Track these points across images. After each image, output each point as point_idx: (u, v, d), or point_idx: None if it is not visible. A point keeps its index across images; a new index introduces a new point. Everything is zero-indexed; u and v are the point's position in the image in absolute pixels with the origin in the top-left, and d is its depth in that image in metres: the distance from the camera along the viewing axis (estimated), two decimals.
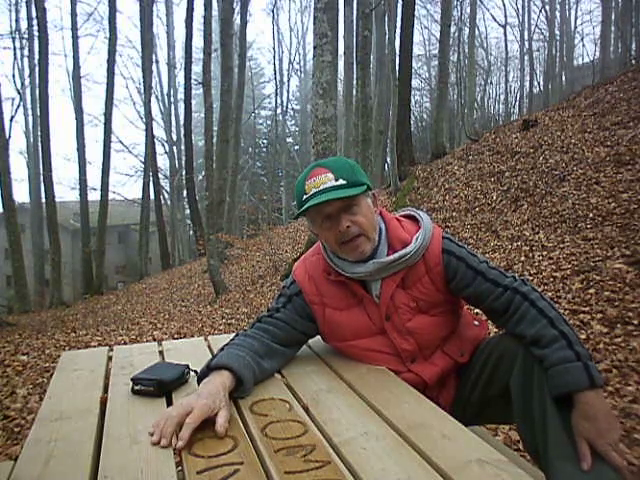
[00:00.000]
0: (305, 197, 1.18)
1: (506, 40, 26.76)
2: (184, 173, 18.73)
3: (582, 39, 35.24)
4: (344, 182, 1.16)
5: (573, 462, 0.97)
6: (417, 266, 1.22)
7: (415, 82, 23.16)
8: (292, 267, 1.38)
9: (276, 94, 25.38)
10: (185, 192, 20.50)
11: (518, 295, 1.15)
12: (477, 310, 1.37)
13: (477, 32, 22.55)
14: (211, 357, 1.13)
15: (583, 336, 2.78)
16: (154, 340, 5.04)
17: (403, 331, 1.23)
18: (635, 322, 2.78)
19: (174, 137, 26.19)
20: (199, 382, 1.08)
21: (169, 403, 1.08)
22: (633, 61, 12.99)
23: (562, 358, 1.03)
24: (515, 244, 5.04)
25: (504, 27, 26.31)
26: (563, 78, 24.44)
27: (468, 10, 18.30)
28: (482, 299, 1.20)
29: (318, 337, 1.38)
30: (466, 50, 17.83)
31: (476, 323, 1.35)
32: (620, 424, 1.92)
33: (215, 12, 13.93)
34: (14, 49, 20.18)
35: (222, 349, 1.17)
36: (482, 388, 1.23)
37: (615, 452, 0.97)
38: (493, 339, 1.27)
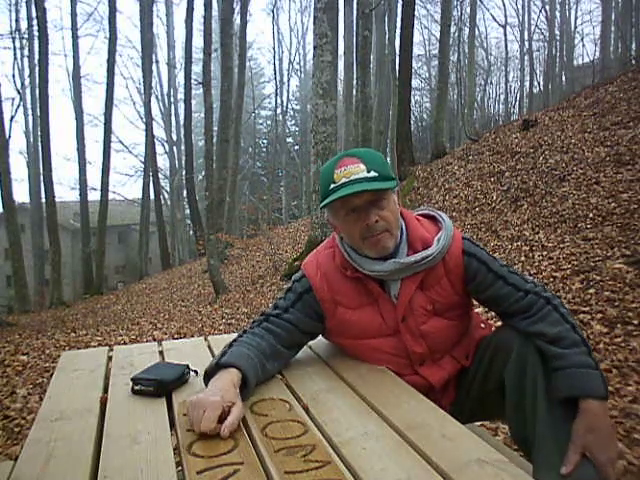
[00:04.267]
0: (333, 186, 1.13)
1: (506, 40, 26.82)
2: (184, 173, 18.75)
3: (582, 39, 35.21)
4: (376, 174, 1.12)
5: (556, 471, 0.97)
6: (437, 268, 1.19)
7: (415, 82, 23.15)
8: (292, 267, 1.37)
9: (276, 94, 25.42)
10: (185, 192, 20.52)
11: (541, 299, 1.14)
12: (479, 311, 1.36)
13: (477, 32, 22.54)
14: (220, 353, 1.11)
15: None
16: (154, 340, 5.04)
17: (417, 333, 1.21)
18: (635, 322, 2.78)
19: (174, 137, 26.21)
20: (206, 379, 1.06)
21: (169, 403, 1.08)
22: (633, 61, 12.99)
23: (584, 362, 1.04)
24: (515, 244, 5.03)
25: (504, 27, 26.36)
26: (563, 78, 24.44)
27: (468, 10, 18.27)
28: (501, 302, 1.19)
29: (318, 337, 1.37)
30: (466, 50, 17.83)
31: (482, 326, 1.34)
32: (620, 424, 1.92)
33: (215, 12, 13.94)
34: (14, 49, 20.25)
35: (230, 345, 1.14)
36: (480, 383, 1.22)
37: (612, 469, 0.97)
38: (487, 336, 1.27)
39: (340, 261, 1.24)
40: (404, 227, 1.23)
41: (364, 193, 1.11)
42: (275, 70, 25.49)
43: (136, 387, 1.13)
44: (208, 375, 1.06)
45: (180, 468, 0.83)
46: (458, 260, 1.19)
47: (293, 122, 34.24)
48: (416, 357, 1.23)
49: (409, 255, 1.18)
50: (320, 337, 1.37)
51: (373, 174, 1.12)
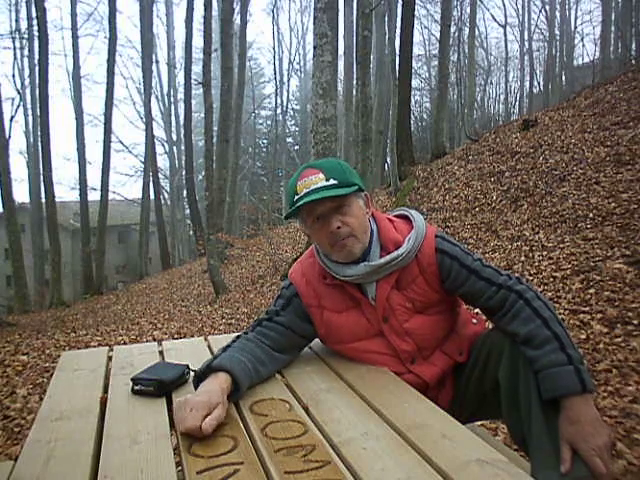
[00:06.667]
0: (297, 197, 1.18)
1: (506, 40, 26.83)
2: (184, 173, 18.75)
3: (582, 39, 35.22)
4: (335, 182, 1.16)
5: (554, 470, 0.97)
6: (411, 267, 1.21)
7: (415, 82, 23.13)
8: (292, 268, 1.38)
9: (276, 94, 25.44)
10: (185, 192, 20.53)
11: (513, 293, 1.14)
12: (477, 310, 1.37)
13: (477, 32, 22.52)
14: (212, 357, 1.12)
15: (583, 336, 2.78)
16: (154, 340, 5.04)
17: (401, 332, 1.23)
18: (635, 322, 2.78)
19: (174, 137, 26.22)
20: (196, 380, 1.07)
21: (169, 403, 1.08)
22: (633, 61, 12.98)
23: (556, 361, 1.02)
24: (515, 244, 5.03)
25: (504, 27, 26.36)
26: (563, 78, 24.43)
27: (468, 10, 18.26)
28: (477, 298, 1.20)
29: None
30: (466, 50, 17.81)
31: (474, 321, 1.35)
32: (620, 424, 1.92)
33: (215, 12, 13.93)
34: (14, 49, 20.27)
35: (224, 349, 1.16)
36: (475, 384, 1.23)
37: (599, 458, 0.95)
38: (482, 335, 1.27)
39: (319, 270, 1.28)
40: (375, 229, 1.25)
41: (325, 201, 1.15)
42: (275, 70, 25.54)
43: (136, 387, 1.13)
44: (199, 377, 1.07)
45: (180, 468, 0.83)
46: (431, 258, 1.20)
47: (293, 122, 34.22)
48: (405, 355, 1.24)
49: (381, 257, 1.21)
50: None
51: (332, 182, 1.16)
